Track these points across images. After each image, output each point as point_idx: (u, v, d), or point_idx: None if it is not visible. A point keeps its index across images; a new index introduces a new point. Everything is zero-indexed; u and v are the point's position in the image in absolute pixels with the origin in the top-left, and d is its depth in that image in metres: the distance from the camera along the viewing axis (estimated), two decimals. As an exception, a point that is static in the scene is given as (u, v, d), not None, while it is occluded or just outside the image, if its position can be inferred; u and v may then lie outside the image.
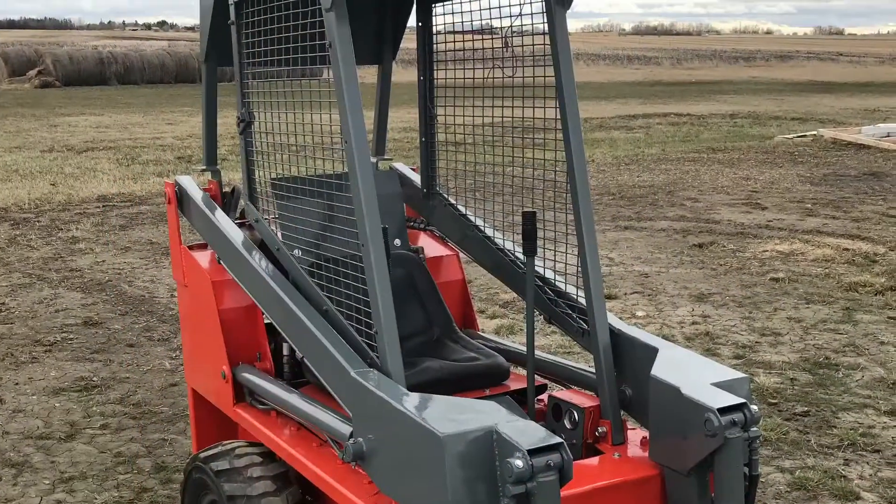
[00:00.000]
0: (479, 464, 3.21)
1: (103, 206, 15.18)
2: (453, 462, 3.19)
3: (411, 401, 3.52)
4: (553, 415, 4.32)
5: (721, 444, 3.53)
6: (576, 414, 4.19)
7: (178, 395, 7.25)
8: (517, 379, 4.67)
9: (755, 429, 3.60)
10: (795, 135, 25.41)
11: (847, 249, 11.84)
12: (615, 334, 4.24)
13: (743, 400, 3.60)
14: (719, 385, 3.73)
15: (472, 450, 3.21)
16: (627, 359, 4.20)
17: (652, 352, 4.05)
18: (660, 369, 3.89)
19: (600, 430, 4.14)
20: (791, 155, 21.51)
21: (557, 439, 3.19)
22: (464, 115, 4.91)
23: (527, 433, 3.21)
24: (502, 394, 4.50)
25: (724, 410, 3.53)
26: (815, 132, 25.40)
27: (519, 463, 3.09)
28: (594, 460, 4.04)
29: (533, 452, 3.11)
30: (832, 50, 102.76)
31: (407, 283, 4.94)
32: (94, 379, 7.64)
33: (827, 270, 10.86)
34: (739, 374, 3.88)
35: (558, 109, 4.22)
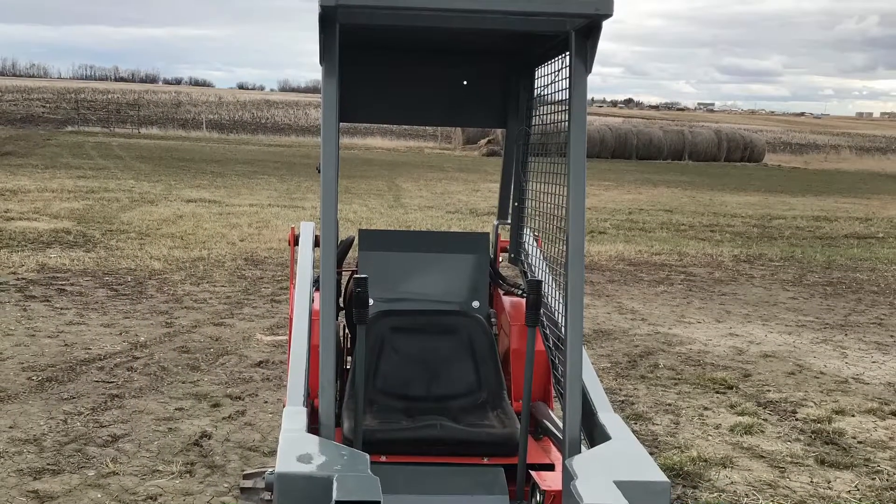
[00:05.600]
0: None
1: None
2: None
3: None
4: (531, 494, 4.32)
5: None
6: (538, 495, 4.16)
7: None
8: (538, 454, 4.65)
9: None
10: None
11: None
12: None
13: None
14: None
15: None
16: None
17: None
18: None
19: None
20: None
21: None
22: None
23: None
24: (496, 465, 4.47)
25: None
26: None
27: None
28: None
29: None
30: None
31: (465, 343, 4.95)
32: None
33: None
34: None
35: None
